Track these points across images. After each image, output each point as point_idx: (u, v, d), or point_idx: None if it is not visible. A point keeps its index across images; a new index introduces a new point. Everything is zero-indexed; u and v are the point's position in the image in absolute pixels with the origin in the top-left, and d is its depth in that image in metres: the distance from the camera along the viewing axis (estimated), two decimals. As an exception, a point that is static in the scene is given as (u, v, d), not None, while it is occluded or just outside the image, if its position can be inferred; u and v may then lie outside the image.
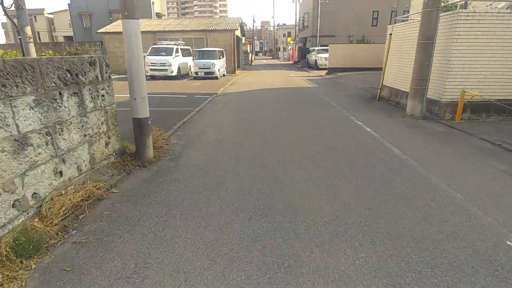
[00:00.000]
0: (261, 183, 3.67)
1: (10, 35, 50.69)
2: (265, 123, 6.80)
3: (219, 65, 18.38)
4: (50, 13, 52.58)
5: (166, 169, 4.18)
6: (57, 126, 3.06)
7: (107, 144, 4.01)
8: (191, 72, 19.27)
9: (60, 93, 3.11)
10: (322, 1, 30.63)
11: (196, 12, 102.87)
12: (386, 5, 31.13)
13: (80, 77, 3.45)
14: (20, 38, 7.12)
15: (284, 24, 72.83)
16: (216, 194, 3.40)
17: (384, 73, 9.59)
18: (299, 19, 42.13)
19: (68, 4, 35.21)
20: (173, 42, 19.18)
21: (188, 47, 21.25)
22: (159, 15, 35.62)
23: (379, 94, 9.81)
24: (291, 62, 46.23)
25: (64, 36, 49.06)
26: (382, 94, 10.02)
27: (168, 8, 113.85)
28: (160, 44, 18.73)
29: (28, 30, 6.97)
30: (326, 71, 22.18)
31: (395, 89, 9.30)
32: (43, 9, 52.82)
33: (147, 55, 18.00)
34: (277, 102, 9.51)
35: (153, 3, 34.97)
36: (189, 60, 19.86)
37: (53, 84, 3.02)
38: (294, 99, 10.14)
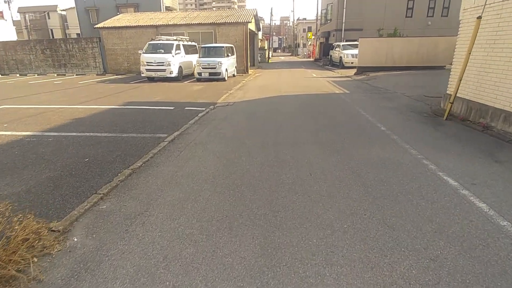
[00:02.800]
0: None
1: (24, 32, 49.96)
2: (273, 187, 3.60)
3: (227, 64, 15.45)
4: (63, 10, 51.50)
5: None
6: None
7: None
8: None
9: None
10: (348, -10, 27.02)
11: (215, 8, 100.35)
12: (423, -7, 27.13)
13: None
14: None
15: (305, 18, 68.98)
16: None
17: (460, 78, 6.30)
18: (321, 12, 38.53)
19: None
20: (174, 38, 16.39)
21: (193, 44, 18.45)
22: (169, 10, 33.05)
23: (448, 110, 6.55)
24: (311, 59, 42.70)
25: (77, 34, 47.74)
26: (454, 109, 6.75)
27: (186, 4, 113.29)
28: (158, 40, 16.00)
29: None
30: (355, 70, 18.81)
31: (481, 104, 6.03)
32: (56, 5, 51.81)
33: (143, 53, 15.33)
34: (296, 125, 6.45)
35: (162, -4, 32.46)
36: (194, 58, 17.02)
37: None
38: (321, 118, 7.02)
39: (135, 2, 32.25)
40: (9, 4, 45.45)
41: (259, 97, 10.08)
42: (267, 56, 37.43)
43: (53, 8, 51.67)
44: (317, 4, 40.50)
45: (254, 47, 27.31)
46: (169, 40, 16.04)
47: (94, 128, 6.17)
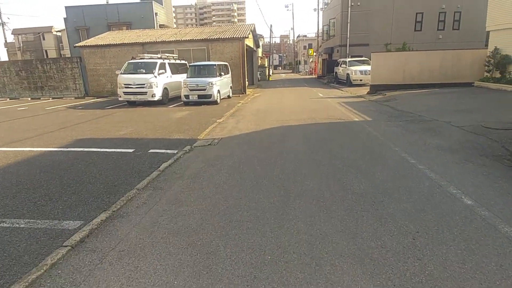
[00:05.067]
0: None
1: (18, 54, 48.68)
2: None
3: (219, 85, 13.17)
4: (58, 31, 50.37)
5: None
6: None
7: None
8: (184, 94, 14.17)
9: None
10: (353, 3, 25.23)
11: (215, 22, 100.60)
12: (432, 5, 25.29)
13: None
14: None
15: (305, 35, 67.97)
16: None
17: None
18: (323, 28, 36.86)
19: (64, 19, 31.80)
20: (158, 55, 14.23)
21: (183, 62, 16.32)
22: (163, 28, 31.42)
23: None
24: (314, 76, 40.77)
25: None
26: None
27: (187, 19, 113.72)
28: (139, 59, 13.83)
29: None
30: (366, 89, 16.52)
31: None
32: (51, 27, 50.67)
33: (121, 73, 13.12)
34: (313, 197, 3.96)
35: (156, 14, 30.89)
36: (183, 79, 14.82)
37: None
38: (350, 176, 4.50)
39: (128, 21, 30.65)
40: (3, 26, 44.34)
41: (254, 128, 7.66)
42: (267, 74, 35.49)
43: (48, 29, 50.55)
44: (318, 20, 38.89)
45: (252, 64, 25.28)
46: (152, 58, 13.87)
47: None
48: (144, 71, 12.99)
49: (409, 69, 14.62)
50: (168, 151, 5.91)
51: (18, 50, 49.44)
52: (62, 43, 50.30)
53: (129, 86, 12.78)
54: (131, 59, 14.00)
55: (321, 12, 38.49)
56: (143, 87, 12.68)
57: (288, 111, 10.41)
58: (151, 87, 12.69)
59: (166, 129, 8.03)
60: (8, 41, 48.61)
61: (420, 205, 3.26)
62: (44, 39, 51.05)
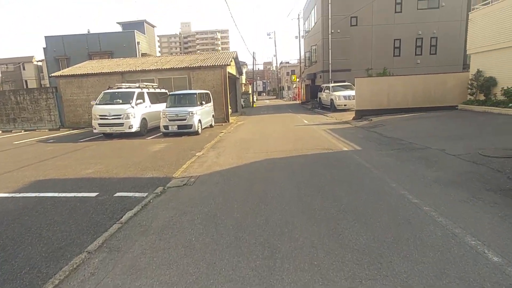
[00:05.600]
0: None
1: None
2: None
3: (200, 114, 12.62)
4: (39, 61, 49.59)
5: None
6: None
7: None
8: (163, 124, 13.49)
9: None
10: (333, 31, 25.78)
11: (199, 51, 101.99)
12: (409, 32, 26.13)
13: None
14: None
15: (288, 62, 69.51)
16: None
17: None
18: (305, 54, 37.59)
19: (44, 49, 31.17)
20: (136, 85, 13.66)
21: (164, 91, 15.81)
22: (144, 56, 31.21)
23: None
24: (298, 102, 41.07)
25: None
26: None
27: (171, 48, 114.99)
28: (116, 88, 13.21)
29: None
30: (351, 114, 16.34)
31: None
32: (32, 56, 49.92)
33: (96, 104, 12.41)
34: (303, 251, 3.31)
35: (138, 43, 30.74)
36: (162, 108, 14.22)
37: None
38: (343, 222, 3.91)
39: (109, 50, 30.30)
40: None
41: (236, 163, 7.01)
42: (251, 100, 35.44)
43: (29, 59, 49.77)
44: (300, 47, 39.75)
45: (236, 92, 25.06)
46: (130, 87, 13.28)
47: None
48: (120, 101, 12.34)
49: (393, 94, 14.55)
50: (137, 194, 5.17)
51: (-2, 81, 48.15)
52: (42, 73, 49.42)
53: (105, 117, 12.05)
54: (108, 89, 13.35)
55: (302, 40, 39.45)
56: (119, 118, 11.96)
57: (272, 140, 9.87)
58: (128, 118, 12.00)
59: (139, 165, 7.28)
60: (-15, 72, 47.31)
61: (438, 265, 2.64)
62: (24, 69, 50.15)
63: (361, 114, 14.70)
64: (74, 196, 5.18)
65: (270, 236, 3.34)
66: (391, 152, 7.17)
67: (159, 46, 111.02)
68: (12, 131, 17.04)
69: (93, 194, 5.22)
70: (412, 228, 3.33)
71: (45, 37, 30.77)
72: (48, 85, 38.20)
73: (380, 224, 3.47)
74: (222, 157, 7.71)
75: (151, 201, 4.76)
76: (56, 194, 5.31)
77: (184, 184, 5.57)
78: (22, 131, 17.06)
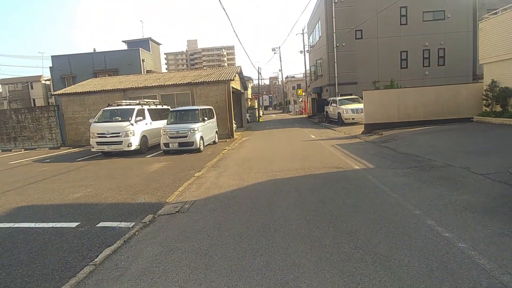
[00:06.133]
0: None
1: (4, 103, 48.14)
2: None
3: (202, 131, 12.11)
4: (47, 79, 50.34)
5: None
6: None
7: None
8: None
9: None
10: (338, 44, 25.46)
11: (205, 67, 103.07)
12: (415, 43, 25.66)
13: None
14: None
15: (293, 76, 69.59)
16: None
17: None
18: (310, 68, 37.33)
19: (50, 68, 31.54)
20: (137, 101, 13.29)
21: (166, 107, 15.42)
22: (148, 73, 31.24)
23: None
24: (304, 115, 40.57)
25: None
26: None
27: (178, 65, 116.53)
28: (116, 106, 12.83)
29: None
30: (360, 128, 15.68)
31: None
32: (40, 76, 50.72)
33: (94, 122, 12.01)
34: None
35: (143, 60, 30.85)
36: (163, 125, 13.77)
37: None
38: (362, 263, 3.21)
39: (114, 68, 30.42)
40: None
41: (237, 185, 6.38)
42: (257, 115, 35.05)
43: (37, 79, 50.57)
44: (305, 62, 39.54)
45: (241, 107, 24.68)
46: (131, 104, 12.90)
47: None
48: (120, 119, 11.93)
49: (404, 106, 13.89)
50: (123, 224, 4.56)
51: (4, 99, 48.89)
52: (50, 91, 50.11)
53: (103, 135, 11.61)
54: (107, 106, 12.99)
55: (307, 54, 39.30)
56: (118, 136, 11.51)
57: (278, 158, 9.24)
58: (127, 136, 11.54)
59: (132, 188, 6.70)
60: (-5, 92, 48.12)
61: None
62: (32, 88, 50.84)
63: (370, 128, 14.03)
64: (52, 227, 4.59)
65: (272, 286, 2.67)
66: (408, 171, 6.47)
67: (165, 64, 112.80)
68: (12, 150, 16.75)
69: (74, 224, 4.63)
70: (451, 277, 2.63)
71: (52, 56, 31.15)
72: (54, 104, 38.48)
73: (408, 270, 2.78)
74: (222, 178, 7.10)
75: (137, 233, 4.15)
76: (32, 225, 4.73)
77: (177, 211, 4.95)
78: (22, 150, 16.76)
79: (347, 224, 3.91)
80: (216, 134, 14.55)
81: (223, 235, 3.87)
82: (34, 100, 50.13)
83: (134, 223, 4.58)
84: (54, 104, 32.12)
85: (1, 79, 50.25)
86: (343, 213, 4.31)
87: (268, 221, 4.20)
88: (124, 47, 35.03)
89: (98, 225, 4.57)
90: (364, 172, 6.68)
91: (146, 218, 4.69)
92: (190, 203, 5.37)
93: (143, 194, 6.18)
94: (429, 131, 11.80)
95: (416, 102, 13.80)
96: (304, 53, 39.47)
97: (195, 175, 7.63)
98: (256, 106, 38.23)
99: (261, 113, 40.49)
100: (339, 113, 19.77)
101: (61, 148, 16.71)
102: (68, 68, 31.16)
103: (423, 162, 7.14)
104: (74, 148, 16.35)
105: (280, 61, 63.20)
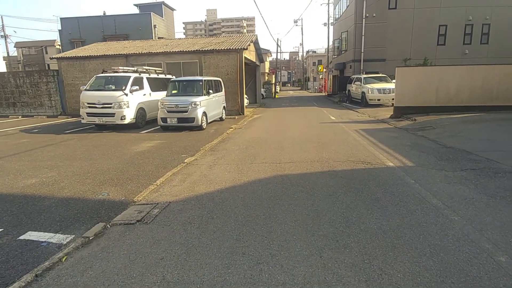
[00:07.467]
0: None
1: (19, 67, 47.76)
2: None
3: (205, 106, 10.55)
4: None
5: None
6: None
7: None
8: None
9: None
10: (367, 14, 22.76)
11: (224, 34, 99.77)
12: (457, 17, 22.64)
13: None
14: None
15: (314, 51, 65.96)
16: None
17: None
18: (333, 42, 34.49)
19: (59, 31, 30.23)
20: (134, 68, 11.75)
21: (170, 77, 13.83)
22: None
23: None
24: (324, 94, 38.18)
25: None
26: None
27: (196, 30, 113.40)
28: (112, 72, 11.37)
29: None
30: (388, 111, 13.71)
31: None
32: (54, 40, 49.74)
33: (85, 89, 10.63)
34: None
35: (155, 26, 29.01)
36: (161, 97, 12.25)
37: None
38: None
39: (125, 33, 28.78)
40: (5, 39, 43.70)
41: (232, 181, 4.87)
42: (273, 91, 33.02)
43: (51, 43, 49.73)
44: (328, 34, 36.54)
45: (256, 81, 22.81)
46: (128, 71, 11.39)
47: None
48: (113, 88, 10.50)
49: (444, 88, 11.76)
50: (56, 237, 3.17)
51: (19, 63, 48.57)
52: (64, 57, 49.35)
53: (94, 105, 10.25)
54: (102, 73, 11.55)
55: (331, 27, 36.26)
56: (110, 107, 10.12)
57: (289, 144, 7.61)
58: (120, 107, 10.13)
59: (102, 175, 5.32)
60: (11, 55, 47.69)
61: None
62: (47, 52, 50.12)
63: (401, 112, 12.07)
64: (-40, 235, 3.25)
65: None
66: (463, 175, 4.76)
67: (184, 33, 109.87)
68: (9, 117, 15.80)
69: (-10, 234, 3.28)
70: None
71: (61, 19, 29.80)
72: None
73: None
74: (216, 168, 5.59)
75: (66, 257, 2.74)
76: None
77: (138, 220, 3.51)
78: (20, 117, 15.77)
79: (389, 274, 2.33)
80: (223, 110, 12.97)
81: (184, 280, 2.39)
82: (48, 65, 49.56)
83: (73, 236, 3.19)
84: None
85: (16, 42, 49.76)
86: (380, 250, 2.73)
87: (260, 257, 2.67)
88: (136, 11, 33.16)
89: (21, 237, 3.20)
90: (401, 173, 5.00)
91: (92, 229, 3.29)
92: (163, 205, 3.91)
93: (110, 185, 4.78)
94: (474, 119, 9.81)
95: (461, 84, 11.63)
96: (328, 26, 36.40)
97: (186, 160, 6.16)
98: (273, 82, 36.05)
99: (278, 89, 38.26)
100: (363, 92, 17.68)
101: (59, 117, 15.62)
102: (77, 32, 29.78)
103: (481, 162, 5.37)
104: (73, 117, 15.20)
105: (302, 34, 59.41)
